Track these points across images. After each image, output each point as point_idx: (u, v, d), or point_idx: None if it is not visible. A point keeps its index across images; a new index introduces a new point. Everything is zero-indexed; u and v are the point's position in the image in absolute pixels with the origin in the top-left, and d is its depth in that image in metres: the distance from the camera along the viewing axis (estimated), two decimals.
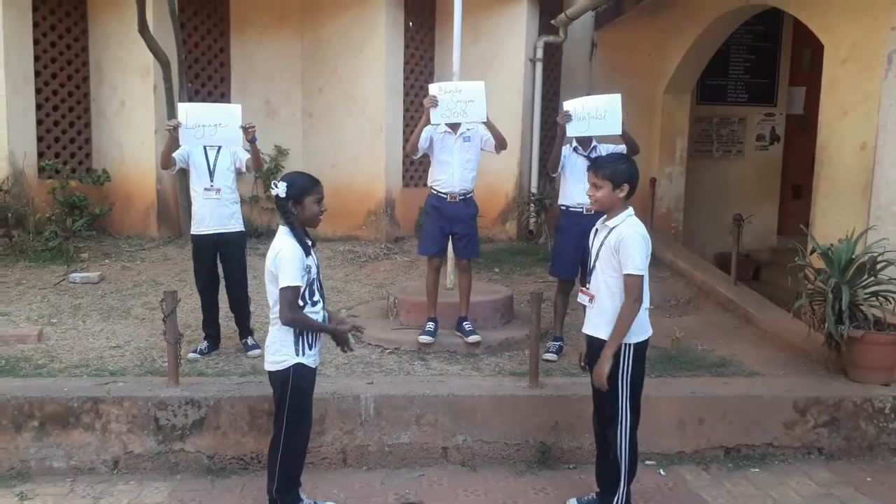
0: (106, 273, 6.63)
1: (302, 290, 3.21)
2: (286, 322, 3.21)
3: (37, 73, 7.62)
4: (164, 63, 7.35)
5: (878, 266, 4.52)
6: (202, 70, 8.21)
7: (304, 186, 3.27)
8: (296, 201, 3.25)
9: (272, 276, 3.22)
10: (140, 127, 7.74)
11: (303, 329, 3.26)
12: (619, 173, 3.37)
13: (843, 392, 4.38)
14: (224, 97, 8.23)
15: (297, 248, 3.21)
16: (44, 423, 3.94)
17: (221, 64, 8.36)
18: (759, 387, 4.49)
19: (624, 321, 3.30)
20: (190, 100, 7.48)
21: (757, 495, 3.89)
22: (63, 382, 4.19)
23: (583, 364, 3.62)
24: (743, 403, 4.29)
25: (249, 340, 4.90)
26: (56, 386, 4.11)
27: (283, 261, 3.17)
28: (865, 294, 4.52)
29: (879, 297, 4.51)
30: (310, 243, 3.32)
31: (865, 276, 4.52)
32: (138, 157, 7.82)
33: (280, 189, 3.24)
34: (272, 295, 3.26)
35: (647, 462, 4.14)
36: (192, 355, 4.75)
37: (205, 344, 4.89)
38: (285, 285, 3.16)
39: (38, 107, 7.69)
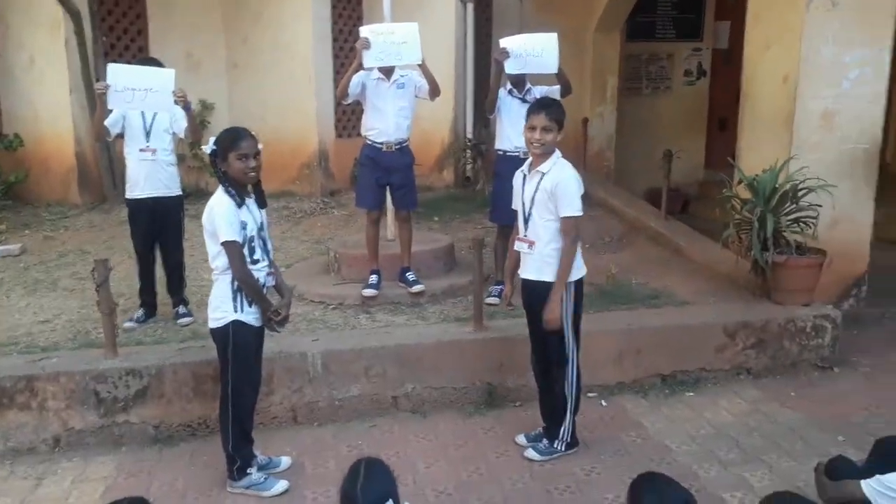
0: (27, 244, 6.32)
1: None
2: (238, 277, 3.23)
3: None
4: (74, 14, 6.84)
5: (800, 193, 4.73)
6: (117, 22, 7.70)
7: (225, 143, 3.26)
8: (222, 158, 3.26)
9: (209, 232, 3.25)
10: (53, 86, 7.25)
11: (248, 292, 3.26)
12: (562, 117, 3.46)
13: (769, 315, 4.63)
14: (142, 51, 7.76)
15: (229, 202, 3.22)
16: None
17: (138, 15, 7.85)
18: (691, 315, 4.70)
19: (567, 262, 3.40)
20: (105, 54, 7.05)
21: (692, 417, 4.11)
22: None
23: (509, 303, 3.84)
24: (676, 332, 4.49)
25: (181, 309, 4.75)
26: None
27: (216, 216, 3.21)
28: (788, 221, 4.74)
29: (800, 223, 4.73)
30: (250, 199, 3.34)
31: (788, 204, 4.73)
32: (54, 119, 7.35)
33: (208, 146, 3.28)
34: (211, 251, 3.28)
35: (589, 394, 4.30)
36: (128, 324, 4.61)
37: (141, 312, 4.75)
38: (223, 240, 3.19)
39: None
